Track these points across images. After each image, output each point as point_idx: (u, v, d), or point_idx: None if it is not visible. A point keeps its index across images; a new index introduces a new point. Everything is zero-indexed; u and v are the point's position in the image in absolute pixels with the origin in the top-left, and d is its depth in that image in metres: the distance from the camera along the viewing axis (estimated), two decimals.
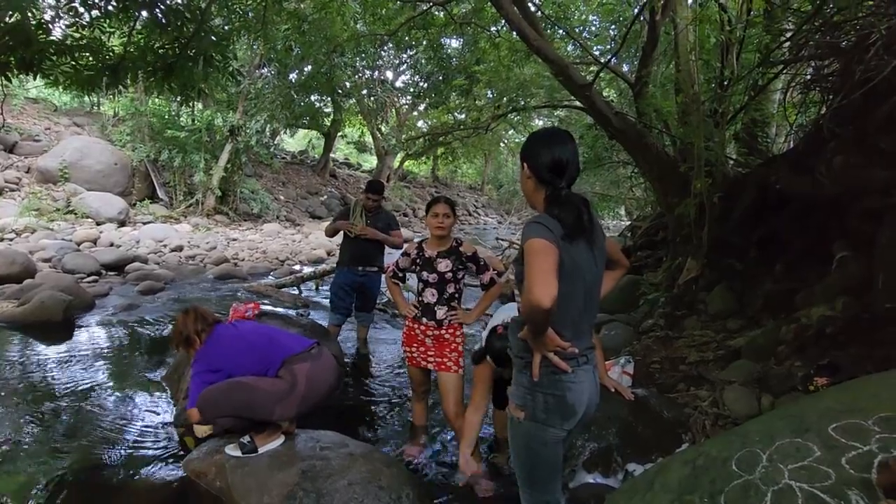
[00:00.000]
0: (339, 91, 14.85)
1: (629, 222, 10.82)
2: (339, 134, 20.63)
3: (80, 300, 5.03)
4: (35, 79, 4.42)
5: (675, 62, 4.88)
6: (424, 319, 2.60)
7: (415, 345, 2.65)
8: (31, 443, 2.69)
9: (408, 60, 15.41)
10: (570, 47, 8.47)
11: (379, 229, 4.01)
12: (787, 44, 3.97)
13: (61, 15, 4.12)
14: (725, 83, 4.47)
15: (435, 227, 2.53)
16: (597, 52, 7.44)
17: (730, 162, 4.98)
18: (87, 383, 3.47)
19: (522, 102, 8.20)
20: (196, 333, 2.41)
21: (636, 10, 5.22)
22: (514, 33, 5.61)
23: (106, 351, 4.18)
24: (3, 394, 3.22)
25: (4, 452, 2.56)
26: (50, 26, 4.18)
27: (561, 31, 7.54)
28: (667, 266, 4.71)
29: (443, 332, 2.58)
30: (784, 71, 4.30)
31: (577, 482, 2.28)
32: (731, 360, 3.05)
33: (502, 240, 13.03)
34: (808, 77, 4.13)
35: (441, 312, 2.57)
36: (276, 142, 16.14)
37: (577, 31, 7.85)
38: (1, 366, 3.67)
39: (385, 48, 13.45)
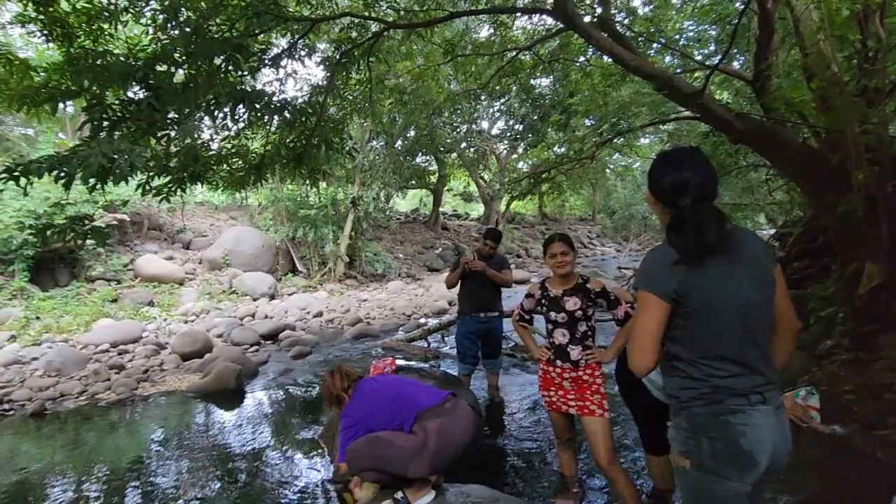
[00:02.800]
0: (442, 148, 15.72)
1: (774, 231, 9.52)
2: (446, 188, 21.63)
3: (247, 368, 5.74)
4: (202, 186, 5.37)
5: (799, 47, 4.35)
6: (559, 362, 2.49)
7: (552, 388, 2.54)
8: (216, 499, 3.05)
9: (501, 108, 15.87)
10: (668, 58, 8.05)
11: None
12: None
13: (218, 132, 5.02)
14: (872, 55, 3.84)
15: (555, 266, 2.47)
16: (699, 57, 6.95)
17: None
18: (256, 444, 3.89)
19: (625, 125, 7.89)
20: (343, 391, 2.58)
21: (741, 4, 4.82)
22: (606, 58, 5.51)
23: (269, 413, 4.68)
24: (193, 455, 3.73)
25: None
26: (209, 143, 5.12)
27: (655, 45, 7.21)
28: (837, 275, 3.99)
29: (580, 373, 2.45)
30: None
31: None
32: None
33: (624, 269, 12.28)
34: None
35: (575, 353, 2.45)
36: (390, 205, 17.42)
37: (673, 39, 7.45)
38: (191, 431, 4.29)
39: (479, 101, 14.03)
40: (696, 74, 6.61)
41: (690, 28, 8.08)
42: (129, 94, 4.07)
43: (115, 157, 2.98)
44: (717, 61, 4.32)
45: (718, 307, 1.30)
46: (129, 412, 4.80)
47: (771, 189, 8.84)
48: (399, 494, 2.29)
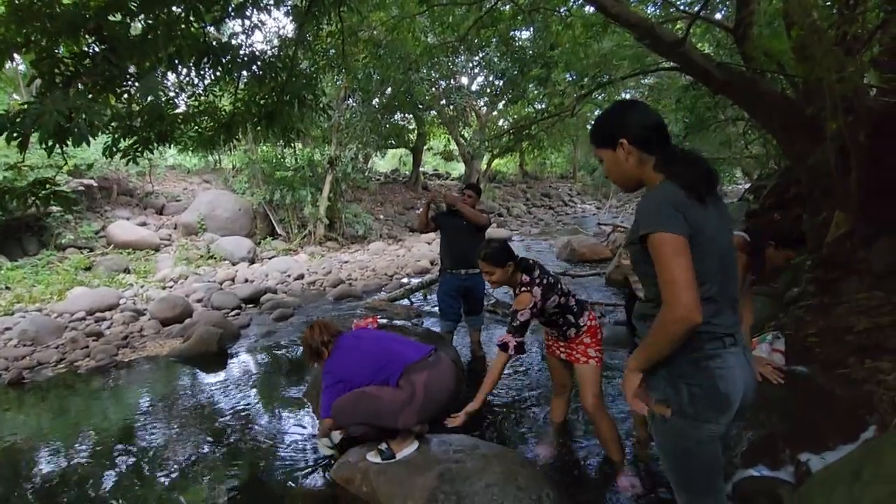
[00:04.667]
0: (420, 106, 15.31)
1: (749, 184, 9.68)
2: (426, 147, 21.23)
3: (229, 332, 5.72)
4: (170, 147, 5.15)
5: None
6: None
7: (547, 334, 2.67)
8: (207, 459, 3.10)
9: (480, 62, 15.42)
10: (650, 8, 7.87)
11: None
12: None
13: (183, 88, 4.76)
14: (853, 2, 3.80)
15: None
16: (680, 6, 6.83)
17: (872, 92, 4.22)
18: (242, 404, 3.92)
19: (607, 77, 7.77)
20: (323, 345, 2.59)
21: None
22: (588, 8, 5.34)
23: (254, 374, 4.71)
24: (181, 418, 3.76)
25: (189, 467, 2.99)
26: (175, 101, 4.87)
27: None
28: (807, 225, 4.10)
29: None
30: None
31: (736, 477, 2.04)
32: None
33: (604, 225, 12.41)
34: None
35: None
36: (369, 165, 17.08)
37: None
38: (176, 394, 4.30)
39: (457, 55, 13.59)
40: (678, 25, 6.49)
41: None
42: (84, 48, 3.80)
43: (73, 114, 2.81)
44: (698, 9, 4.23)
45: (707, 247, 1.29)
46: (112, 378, 4.77)
47: (748, 142, 8.92)
48: (383, 445, 2.36)
